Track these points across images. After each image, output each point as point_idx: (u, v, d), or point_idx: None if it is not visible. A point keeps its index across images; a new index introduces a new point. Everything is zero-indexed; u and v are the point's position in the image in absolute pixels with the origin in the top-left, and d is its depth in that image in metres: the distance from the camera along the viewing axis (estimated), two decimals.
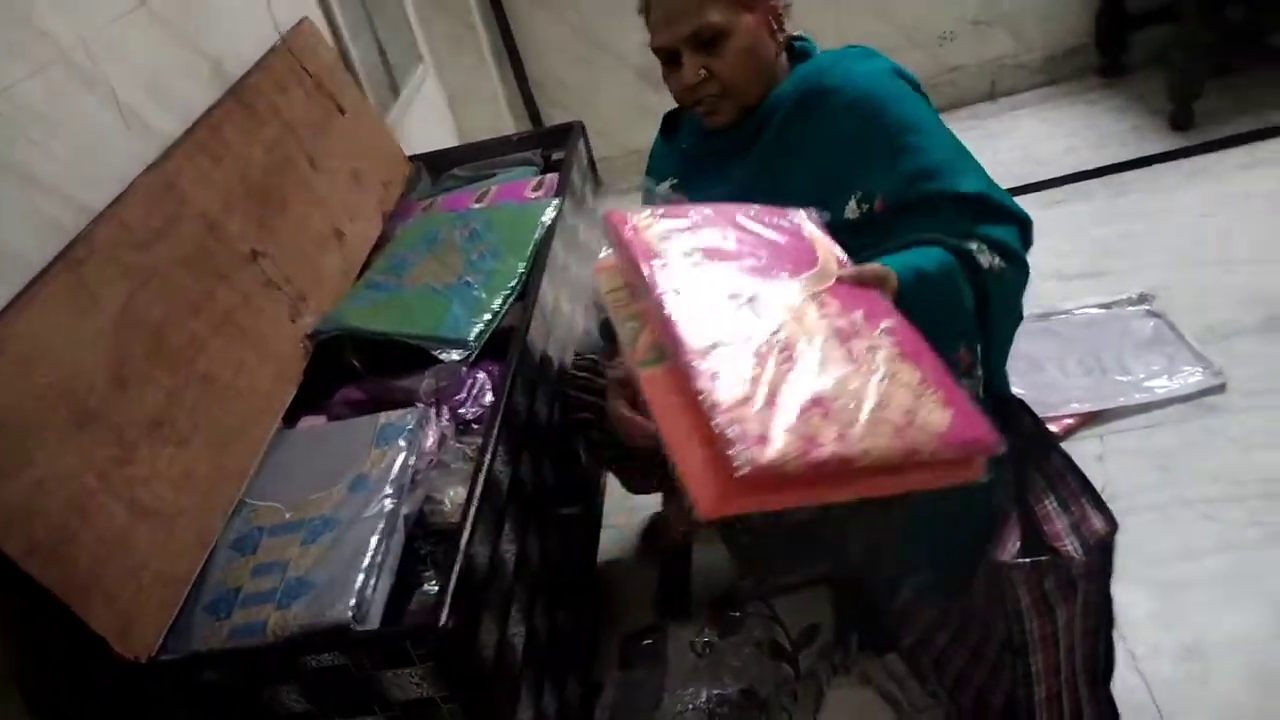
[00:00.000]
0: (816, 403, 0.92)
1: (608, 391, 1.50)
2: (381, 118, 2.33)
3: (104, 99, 1.46)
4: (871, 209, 1.33)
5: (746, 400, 0.91)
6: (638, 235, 1.13)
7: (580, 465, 1.74)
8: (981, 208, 1.30)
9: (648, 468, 1.60)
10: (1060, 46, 3.22)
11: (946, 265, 1.23)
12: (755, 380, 0.93)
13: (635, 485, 1.72)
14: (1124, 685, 1.46)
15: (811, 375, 0.95)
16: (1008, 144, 2.93)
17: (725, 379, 0.93)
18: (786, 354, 0.97)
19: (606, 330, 1.70)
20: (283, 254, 1.65)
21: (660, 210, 1.19)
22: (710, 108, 1.42)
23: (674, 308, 1.01)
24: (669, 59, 1.41)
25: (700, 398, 0.92)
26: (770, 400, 0.91)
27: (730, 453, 0.86)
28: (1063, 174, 2.75)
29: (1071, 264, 2.37)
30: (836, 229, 1.25)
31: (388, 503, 1.30)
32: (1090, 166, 2.76)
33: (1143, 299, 2.19)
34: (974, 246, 1.26)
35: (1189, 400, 1.92)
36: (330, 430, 1.51)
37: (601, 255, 1.27)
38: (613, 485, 1.96)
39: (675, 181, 1.53)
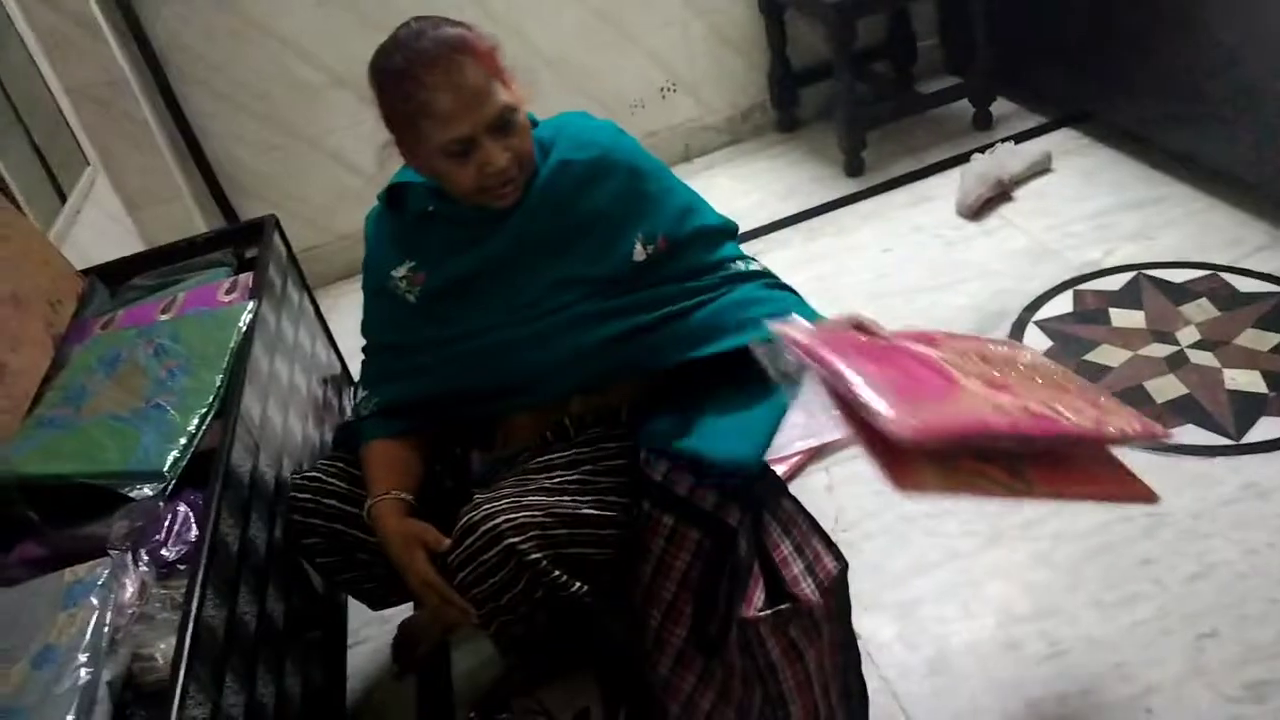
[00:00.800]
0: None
1: (398, 545, 1.40)
2: (45, 230, 2.10)
3: None
4: (657, 248, 1.47)
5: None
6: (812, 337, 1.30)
7: (313, 588, 1.61)
8: (723, 231, 1.55)
9: (395, 581, 1.50)
10: (739, 107, 3.44)
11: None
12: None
13: (379, 602, 1.62)
14: (882, 711, 1.52)
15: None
16: (708, 200, 3.07)
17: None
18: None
19: (344, 435, 1.61)
20: None
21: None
22: (514, 187, 1.41)
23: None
24: (462, 150, 1.34)
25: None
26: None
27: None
28: (758, 225, 2.92)
29: None
30: (623, 275, 1.46)
31: (83, 673, 1.14)
32: (781, 216, 2.95)
33: None
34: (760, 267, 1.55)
35: None
36: (6, 597, 1.31)
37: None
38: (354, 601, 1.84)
39: (415, 264, 1.49)
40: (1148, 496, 1.35)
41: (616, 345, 1.45)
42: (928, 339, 1.38)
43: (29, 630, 1.20)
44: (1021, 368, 1.38)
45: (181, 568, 1.31)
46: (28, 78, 2.47)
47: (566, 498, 1.37)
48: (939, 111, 3.16)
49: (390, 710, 1.74)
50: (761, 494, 1.37)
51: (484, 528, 1.30)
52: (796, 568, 1.32)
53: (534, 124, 1.47)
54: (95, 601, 1.22)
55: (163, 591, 1.27)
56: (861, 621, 1.54)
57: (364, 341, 1.61)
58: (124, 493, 1.38)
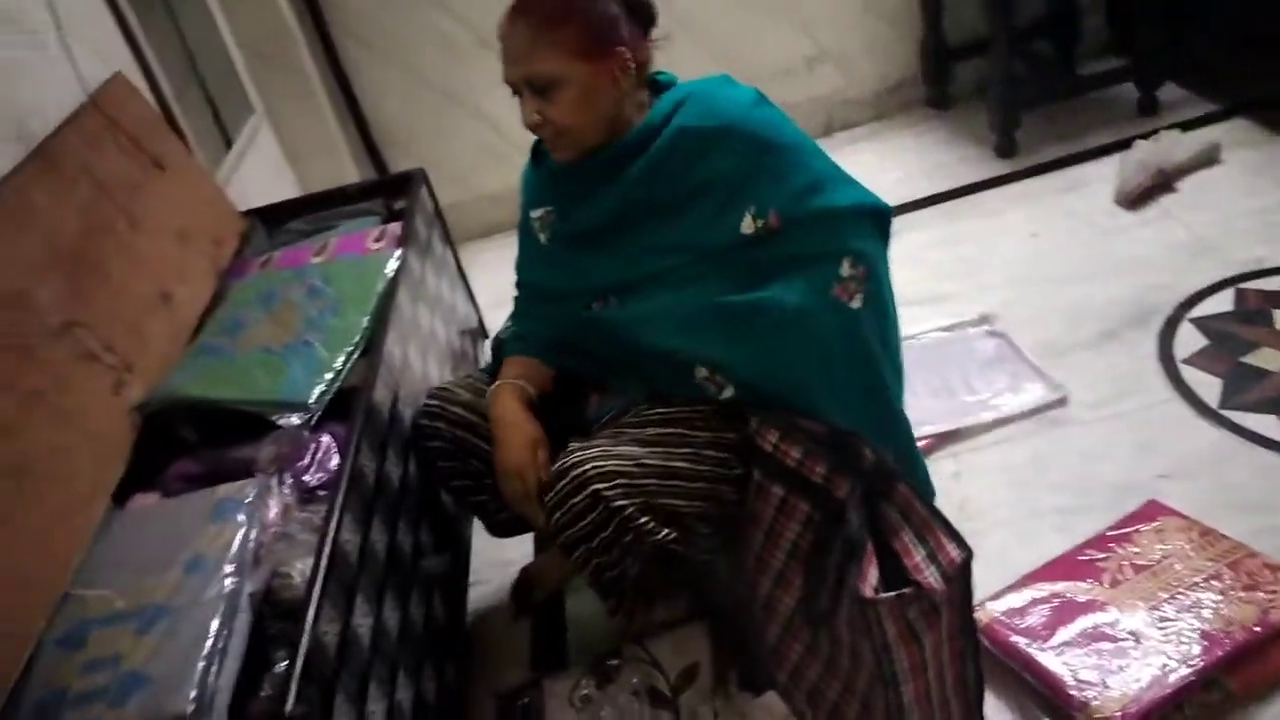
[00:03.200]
0: None
1: (505, 425, 1.48)
2: (211, 173, 2.23)
3: None
4: (767, 224, 1.43)
5: None
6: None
7: (445, 516, 1.68)
8: (857, 214, 1.48)
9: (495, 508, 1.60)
10: (887, 81, 3.36)
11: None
12: None
13: (498, 527, 1.68)
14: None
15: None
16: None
17: None
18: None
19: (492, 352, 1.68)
20: (102, 322, 1.53)
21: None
22: (550, 145, 1.47)
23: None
24: (515, 92, 1.43)
25: None
26: None
27: None
28: (899, 203, 2.85)
29: (913, 290, 2.43)
30: (733, 245, 1.43)
31: (228, 583, 1.22)
32: (923, 195, 2.88)
33: (983, 320, 2.28)
34: (844, 272, 1.45)
35: (1034, 415, 1.99)
36: (163, 509, 1.41)
37: None
38: (479, 542, 1.90)
39: (550, 209, 1.55)
40: None
41: (701, 320, 1.45)
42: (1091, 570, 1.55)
43: (182, 540, 1.29)
44: (1178, 568, 1.51)
45: (321, 494, 1.38)
46: (204, 30, 2.61)
47: (659, 449, 1.41)
48: (1101, 94, 3.01)
49: (504, 648, 1.79)
50: (870, 475, 1.35)
51: (574, 473, 1.36)
52: (919, 555, 1.30)
53: (669, 85, 1.51)
54: (242, 518, 1.30)
55: (303, 514, 1.35)
56: (978, 612, 1.51)
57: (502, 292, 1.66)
58: (273, 420, 1.45)
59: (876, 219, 1.53)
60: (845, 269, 1.46)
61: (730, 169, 1.43)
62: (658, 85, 1.51)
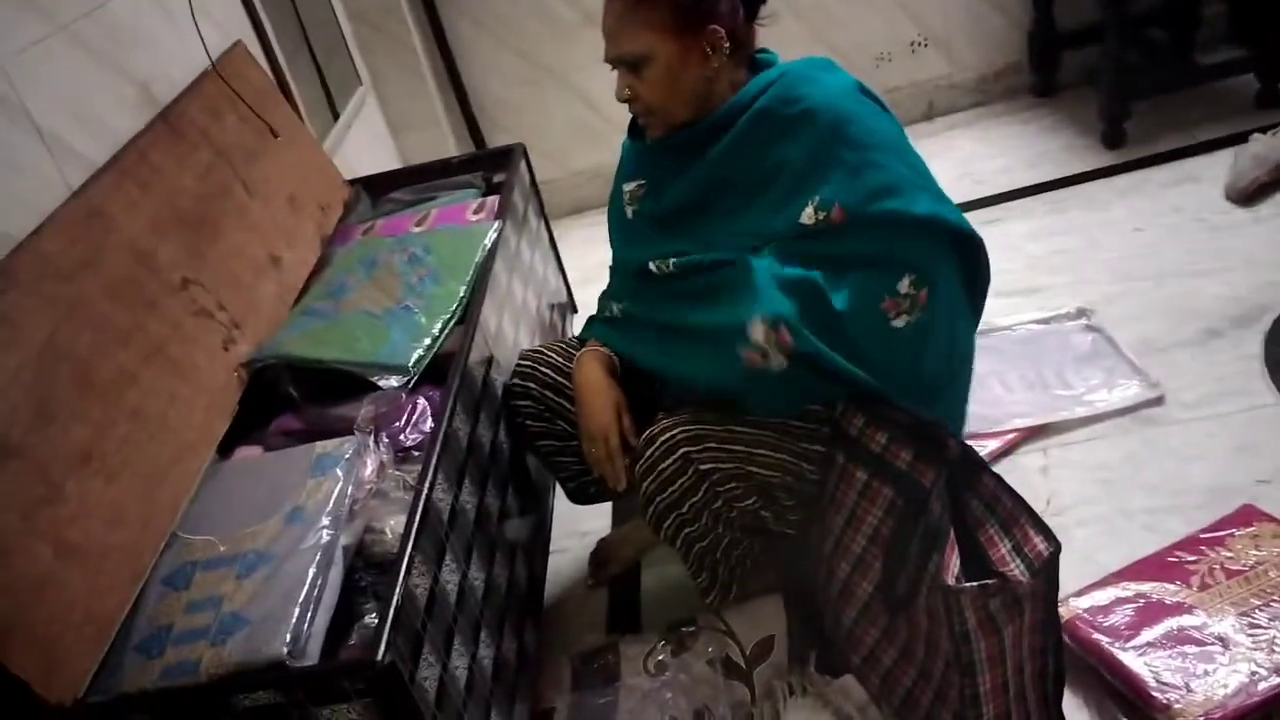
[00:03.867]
0: None
1: (589, 388, 1.53)
2: (319, 142, 2.30)
3: (23, 126, 1.41)
4: (829, 217, 1.38)
5: None
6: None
7: (530, 482, 1.72)
8: (931, 229, 1.41)
9: (578, 470, 1.66)
10: (993, 67, 3.29)
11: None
12: None
13: (579, 493, 1.73)
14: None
15: None
16: (946, 163, 2.96)
17: None
18: None
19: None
20: (216, 282, 1.61)
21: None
22: (642, 121, 1.51)
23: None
24: (612, 67, 1.46)
25: None
26: None
27: None
28: (999, 192, 2.80)
29: (1010, 281, 2.40)
30: (789, 234, 1.40)
31: (325, 534, 1.27)
32: (1026, 184, 2.81)
33: (1080, 313, 2.22)
34: (902, 289, 1.38)
35: (1128, 413, 1.95)
36: (265, 461, 1.48)
37: None
38: (560, 511, 1.94)
39: (642, 182, 1.58)
40: None
41: (753, 281, 1.41)
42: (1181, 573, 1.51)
43: (284, 492, 1.35)
44: (1273, 575, 1.47)
45: (416, 454, 1.43)
46: (317, 1, 2.69)
47: (747, 419, 1.43)
48: (1218, 85, 2.90)
49: (582, 613, 1.83)
50: (955, 467, 1.34)
51: (662, 438, 1.40)
52: (1004, 547, 1.29)
53: (769, 65, 1.50)
54: (340, 474, 1.36)
55: (397, 473, 1.40)
56: (1060, 608, 1.49)
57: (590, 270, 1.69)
58: (372, 380, 1.51)
59: (958, 242, 1.46)
60: (904, 285, 1.39)
61: (802, 155, 1.41)
62: (758, 65, 1.51)
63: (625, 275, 1.63)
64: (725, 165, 1.46)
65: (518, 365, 1.65)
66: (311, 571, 1.22)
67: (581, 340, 1.65)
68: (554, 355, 1.64)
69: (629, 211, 1.60)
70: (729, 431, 1.41)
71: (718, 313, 1.44)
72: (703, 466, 1.39)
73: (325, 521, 1.29)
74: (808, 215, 1.39)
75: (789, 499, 1.47)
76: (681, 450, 1.39)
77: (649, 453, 1.41)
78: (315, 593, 1.20)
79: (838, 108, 1.41)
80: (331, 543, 1.27)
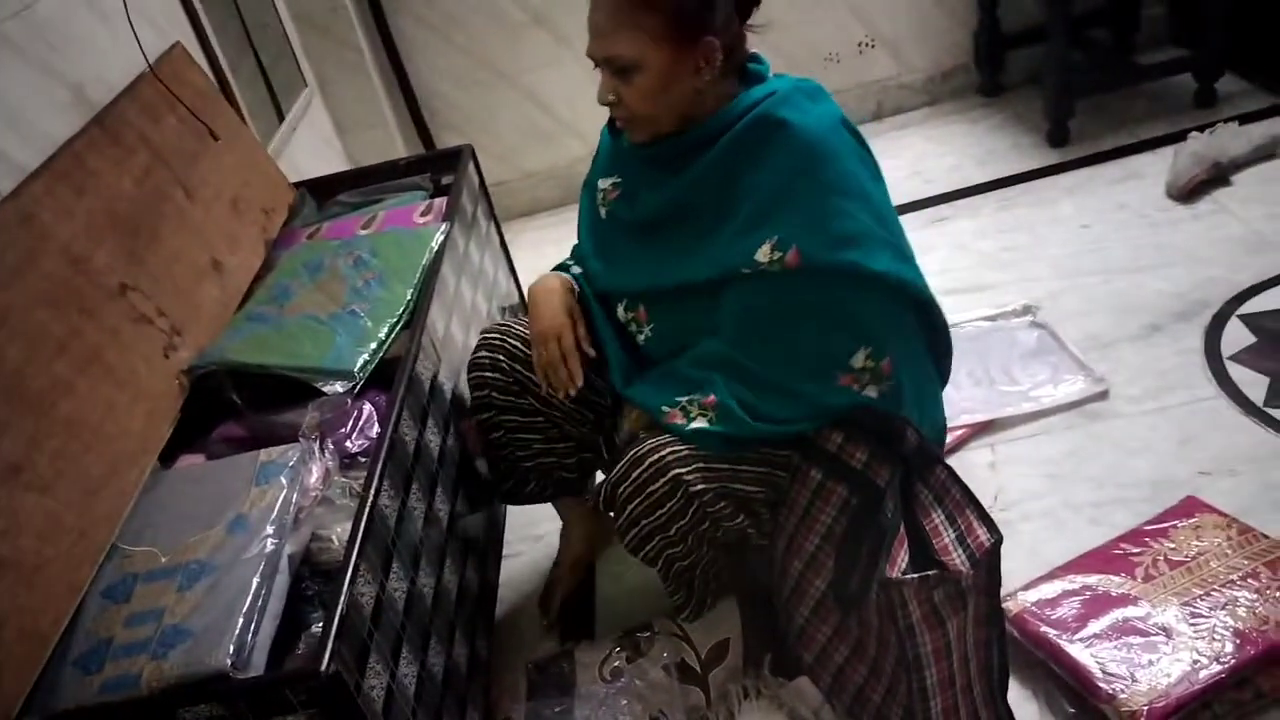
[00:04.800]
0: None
1: (546, 298, 1.51)
2: (263, 144, 2.27)
3: None
4: (784, 258, 1.33)
5: None
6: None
7: (482, 486, 1.70)
8: (887, 288, 1.36)
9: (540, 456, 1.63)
10: (940, 67, 3.32)
11: None
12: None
13: (510, 494, 1.70)
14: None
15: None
16: (895, 163, 2.99)
17: None
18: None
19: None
20: (155, 287, 1.58)
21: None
22: (623, 125, 1.45)
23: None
24: (595, 65, 1.39)
25: None
26: None
27: None
28: (948, 190, 2.83)
29: (958, 279, 2.43)
30: (745, 270, 1.35)
31: (269, 543, 1.25)
32: (974, 182, 2.85)
33: (1027, 310, 2.25)
34: (857, 363, 1.37)
35: (1074, 408, 1.98)
36: (208, 470, 1.45)
37: None
38: (513, 514, 1.93)
39: (618, 181, 1.53)
40: None
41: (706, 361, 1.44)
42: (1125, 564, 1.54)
43: (227, 500, 1.33)
44: (1214, 565, 1.50)
45: (362, 460, 1.41)
46: (261, 3, 2.65)
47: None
48: (1158, 85, 2.96)
49: (535, 620, 1.81)
50: (911, 457, 1.35)
51: (650, 459, 1.35)
52: (947, 537, 1.30)
53: (758, 77, 1.43)
54: (284, 481, 1.33)
55: (343, 480, 1.38)
56: (1009, 602, 1.51)
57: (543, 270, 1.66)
58: (317, 386, 1.49)
59: (916, 305, 1.44)
60: (859, 359, 1.37)
61: (770, 184, 1.35)
62: (748, 75, 1.43)
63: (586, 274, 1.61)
64: (701, 185, 1.41)
65: (483, 338, 1.61)
66: (255, 581, 1.20)
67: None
68: (521, 328, 1.60)
69: (602, 211, 1.56)
70: (711, 452, 1.38)
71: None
72: (694, 489, 1.34)
73: (269, 530, 1.26)
74: (764, 253, 1.34)
75: (767, 511, 1.46)
76: (672, 472, 1.34)
77: (636, 474, 1.36)
78: (259, 602, 1.18)
79: (814, 142, 1.35)
80: (276, 551, 1.24)
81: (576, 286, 1.56)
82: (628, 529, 1.41)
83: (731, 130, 1.37)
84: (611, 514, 1.44)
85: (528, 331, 1.56)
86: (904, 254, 1.41)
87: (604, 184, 1.55)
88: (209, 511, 1.32)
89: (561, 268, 1.63)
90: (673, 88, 1.35)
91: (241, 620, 1.15)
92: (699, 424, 1.39)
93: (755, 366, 1.39)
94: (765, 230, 1.34)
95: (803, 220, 1.33)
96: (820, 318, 1.37)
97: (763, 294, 1.37)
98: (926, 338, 1.50)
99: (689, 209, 1.43)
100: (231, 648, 1.12)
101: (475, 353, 1.61)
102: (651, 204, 1.47)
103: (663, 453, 1.36)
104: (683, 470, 1.34)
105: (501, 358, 1.58)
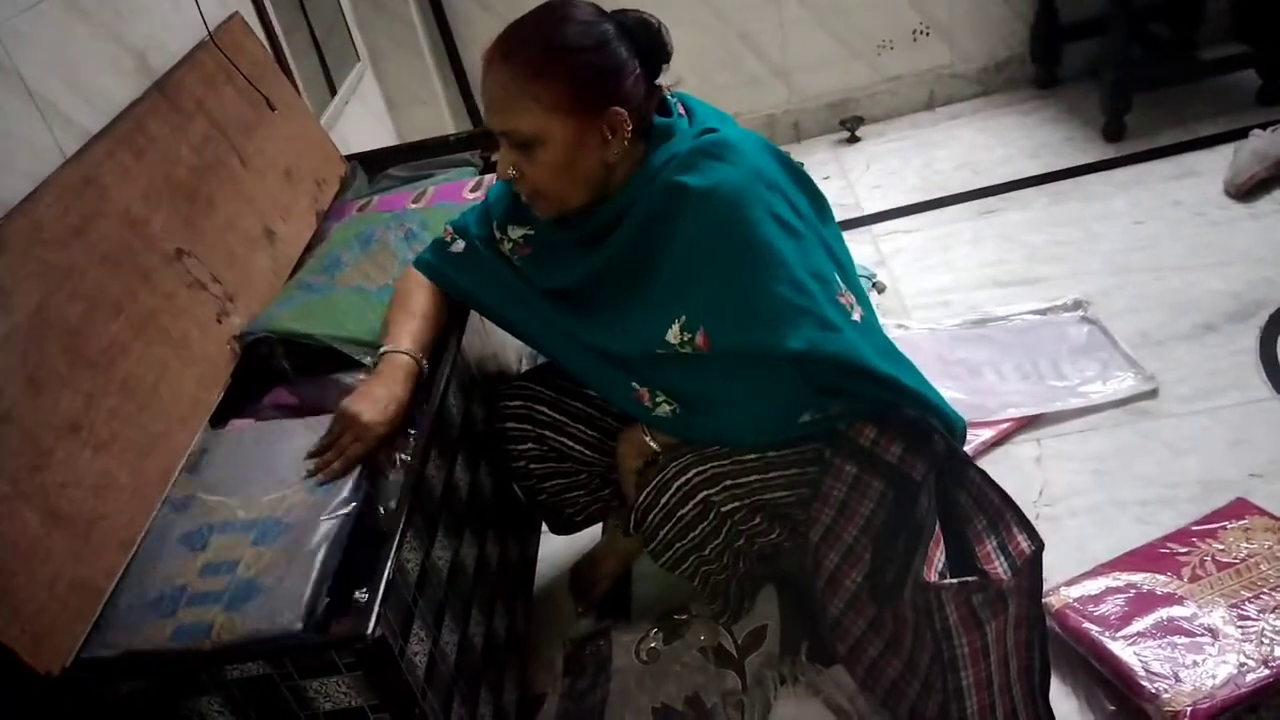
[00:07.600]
0: None
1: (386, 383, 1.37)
2: (316, 116, 2.28)
3: (17, 92, 1.40)
4: (693, 340, 1.26)
5: None
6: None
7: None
8: (806, 364, 1.25)
9: (585, 502, 1.63)
10: (995, 58, 3.28)
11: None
12: None
13: (561, 526, 1.70)
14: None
15: None
16: (946, 153, 2.97)
17: None
18: None
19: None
20: (210, 253, 1.60)
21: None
22: (528, 200, 1.34)
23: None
24: (496, 140, 1.30)
25: None
26: None
27: None
28: (999, 182, 2.79)
29: (1008, 271, 2.40)
30: (658, 348, 1.28)
31: (349, 506, 1.25)
32: (1026, 175, 2.81)
33: (1077, 305, 2.23)
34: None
35: (1122, 405, 1.95)
36: (287, 428, 1.44)
37: None
38: None
39: (530, 233, 1.43)
40: None
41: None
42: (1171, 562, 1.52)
43: (300, 461, 1.33)
44: (1264, 568, 1.47)
45: (410, 432, 1.42)
46: None
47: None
48: (1219, 81, 2.90)
49: (570, 598, 1.82)
50: (943, 456, 1.33)
51: (677, 484, 1.33)
52: (990, 544, 1.28)
53: (665, 133, 1.31)
54: None
55: (392, 451, 1.38)
56: (1050, 597, 1.50)
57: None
58: (358, 359, 1.50)
59: (844, 370, 1.27)
60: (807, 416, 1.32)
61: (677, 260, 1.25)
62: (656, 132, 1.32)
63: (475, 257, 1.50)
64: (615, 262, 1.33)
65: (507, 409, 1.52)
66: (328, 545, 1.20)
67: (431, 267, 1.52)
68: (542, 390, 1.54)
69: (515, 259, 1.45)
70: (738, 464, 1.34)
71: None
72: (724, 508, 1.33)
73: (346, 493, 1.27)
74: (673, 334, 1.26)
75: (802, 511, 1.44)
76: (701, 494, 1.32)
77: (664, 500, 1.33)
78: (331, 565, 1.18)
79: (717, 210, 1.22)
80: (348, 516, 1.25)
81: (424, 371, 1.42)
82: (662, 552, 1.40)
83: (638, 203, 1.28)
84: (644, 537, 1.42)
85: (549, 391, 1.52)
86: (826, 322, 1.24)
87: (515, 234, 1.44)
88: (288, 470, 1.32)
89: (439, 246, 1.53)
90: (579, 162, 1.25)
91: (313, 585, 1.15)
92: (662, 411, 1.36)
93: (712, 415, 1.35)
94: (674, 308, 1.26)
95: (707, 299, 1.24)
96: (753, 395, 1.30)
97: (688, 371, 1.31)
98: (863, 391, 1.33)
99: (604, 282, 1.35)
100: (303, 609, 1.12)
101: (502, 423, 1.53)
102: (565, 280, 1.40)
103: (689, 475, 1.32)
104: (711, 491, 1.32)
105: (529, 428, 1.52)
